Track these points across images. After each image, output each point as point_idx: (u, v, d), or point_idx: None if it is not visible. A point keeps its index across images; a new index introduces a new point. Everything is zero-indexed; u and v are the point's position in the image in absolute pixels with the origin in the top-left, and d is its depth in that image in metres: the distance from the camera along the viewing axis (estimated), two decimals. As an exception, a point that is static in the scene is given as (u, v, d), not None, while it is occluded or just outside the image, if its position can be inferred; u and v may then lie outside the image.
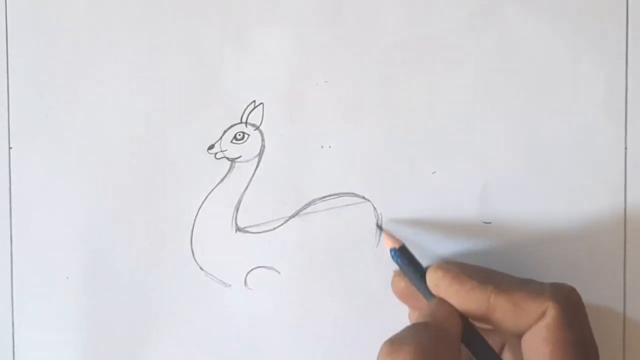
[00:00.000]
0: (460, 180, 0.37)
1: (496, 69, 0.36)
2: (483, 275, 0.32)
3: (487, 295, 0.31)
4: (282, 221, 0.37)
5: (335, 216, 0.37)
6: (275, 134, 0.37)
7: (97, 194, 0.38)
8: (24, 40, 0.38)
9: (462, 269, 0.32)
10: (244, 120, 0.37)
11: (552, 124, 0.36)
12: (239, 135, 0.37)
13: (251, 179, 0.37)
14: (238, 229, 0.38)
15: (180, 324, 0.38)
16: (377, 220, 0.37)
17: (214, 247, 0.38)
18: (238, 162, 0.37)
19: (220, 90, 0.37)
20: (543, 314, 0.30)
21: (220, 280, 0.38)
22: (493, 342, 0.33)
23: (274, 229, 0.37)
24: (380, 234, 0.36)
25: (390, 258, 0.36)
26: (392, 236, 0.35)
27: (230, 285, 0.38)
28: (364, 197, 0.37)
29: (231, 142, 0.37)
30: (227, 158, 0.37)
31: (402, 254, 0.34)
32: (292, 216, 0.37)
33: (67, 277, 0.38)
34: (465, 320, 0.32)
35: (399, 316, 0.36)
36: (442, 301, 0.32)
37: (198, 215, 0.38)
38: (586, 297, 0.31)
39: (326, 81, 0.37)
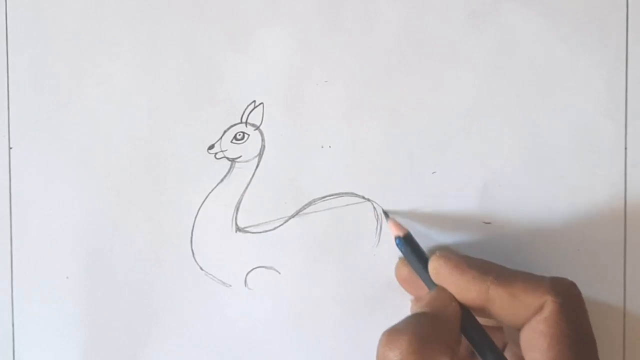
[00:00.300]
0: (460, 180, 0.37)
1: (496, 69, 0.36)
2: (484, 266, 0.32)
3: (487, 286, 0.31)
4: (282, 221, 0.37)
5: (335, 216, 0.37)
6: (275, 134, 0.37)
7: (97, 194, 0.38)
8: (24, 40, 0.38)
9: (464, 259, 0.32)
10: (244, 120, 0.37)
11: (552, 124, 0.36)
12: (239, 135, 0.37)
13: (251, 179, 0.37)
14: (238, 229, 0.38)
15: (180, 324, 0.38)
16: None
17: (214, 247, 0.38)
18: (238, 162, 0.37)
19: (221, 90, 0.37)
20: (541, 307, 0.30)
21: (220, 280, 0.38)
22: (495, 340, 0.33)
23: (274, 229, 0.37)
24: (386, 221, 0.36)
25: (390, 258, 0.36)
26: (397, 224, 0.35)
27: (230, 285, 0.38)
28: (364, 197, 0.37)
29: (231, 142, 0.37)
30: (227, 158, 0.37)
31: (407, 242, 0.34)
32: (292, 216, 0.37)
33: (67, 277, 0.38)
34: (465, 311, 0.32)
35: (399, 315, 0.36)
36: (442, 290, 0.32)
37: (198, 215, 0.38)
38: (586, 296, 0.31)
39: (326, 81, 0.37)
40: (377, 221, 0.37)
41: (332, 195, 0.37)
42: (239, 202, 0.37)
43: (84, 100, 0.38)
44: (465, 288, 0.31)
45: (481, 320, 0.32)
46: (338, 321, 0.37)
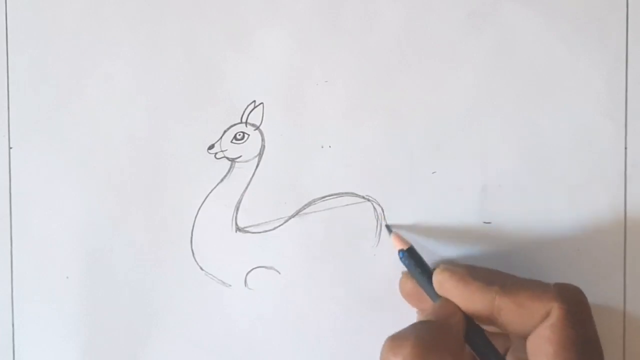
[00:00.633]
0: (460, 180, 0.37)
1: (496, 69, 0.36)
2: (489, 276, 0.32)
3: (492, 296, 0.31)
4: (282, 221, 0.37)
5: (335, 216, 0.37)
6: (275, 134, 0.37)
7: (97, 193, 0.38)
8: (24, 40, 0.38)
9: (468, 270, 0.32)
10: (244, 120, 0.37)
11: (552, 124, 0.36)
12: (239, 135, 0.37)
13: (251, 179, 0.37)
14: (238, 229, 0.38)
15: (180, 324, 0.38)
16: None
17: (214, 247, 0.38)
18: (238, 162, 0.37)
19: (221, 90, 0.37)
20: (548, 314, 0.30)
21: (220, 280, 0.38)
22: (497, 345, 0.33)
23: (274, 229, 0.37)
24: (389, 235, 0.36)
25: (390, 258, 0.36)
26: (401, 238, 0.35)
27: (230, 285, 0.38)
28: (364, 197, 0.37)
29: (231, 142, 0.37)
30: (227, 158, 0.37)
31: (411, 256, 0.34)
32: (292, 216, 0.37)
33: (67, 277, 0.38)
34: (469, 320, 0.32)
35: (399, 315, 0.36)
36: (446, 301, 0.32)
37: (198, 215, 0.38)
38: (586, 296, 0.31)
39: (326, 81, 0.37)
40: (377, 221, 0.37)
41: (332, 195, 0.37)
42: (239, 202, 0.37)
43: (84, 100, 0.38)
44: (470, 299, 0.31)
45: (484, 326, 0.32)
46: (338, 321, 0.37)
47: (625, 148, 0.36)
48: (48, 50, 0.38)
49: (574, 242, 0.36)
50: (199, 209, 0.38)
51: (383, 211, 0.37)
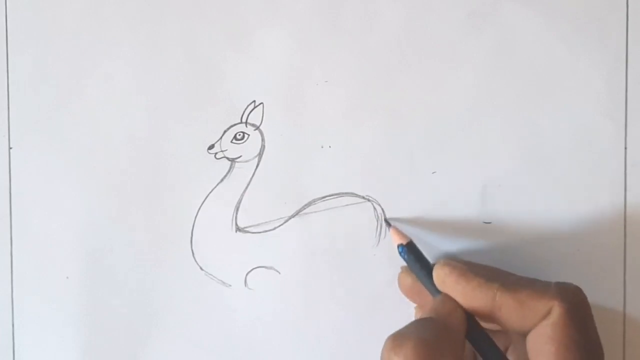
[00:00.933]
0: (460, 180, 0.37)
1: (496, 69, 0.36)
2: (489, 273, 0.32)
3: (493, 293, 0.31)
4: (282, 221, 0.37)
5: (335, 216, 0.37)
6: (275, 134, 0.37)
7: (97, 194, 0.38)
8: (24, 40, 0.38)
9: (469, 266, 0.32)
10: (244, 120, 0.37)
11: (552, 124, 0.36)
12: (239, 135, 0.37)
13: (251, 179, 0.37)
14: (238, 229, 0.38)
15: (180, 324, 0.38)
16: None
17: (214, 247, 0.38)
18: (238, 162, 0.37)
19: (220, 90, 0.37)
20: (548, 313, 0.30)
21: (220, 280, 0.38)
22: (498, 343, 0.33)
23: (274, 229, 0.37)
24: (388, 230, 0.36)
25: (390, 258, 0.36)
26: (400, 232, 0.35)
27: (230, 285, 0.38)
28: (364, 197, 0.37)
29: (231, 142, 0.37)
30: (227, 158, 0.37)
31: (410, 250, 0.34)
32: (292, 216, 0.37)
33: (67, 277, 0.38)
34: (469, 317, 0.32)
35: (400, 315, 0.36)
36: (447, 297, 0.32)
37: (198, 215, 0.38)
38: (586, 295, 0.31)
39: (326, 81, 0.37)
40: (377, 221, 0.37)
41: (332, 195, 0.37)
42: (239, 202, 0.37)
43: (84, 100, 0.38)
44: (471, 295, 0.31)
45: (483, 323, 0.32)
46: (338, 321, 0.37)
47: (625, 148, 0.36)
48: (48, 50, 0.38)
49: (574, 242, 0.36)
50: (199, 209, 0.38)
51: (383, 211, 0.37)
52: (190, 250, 0.38)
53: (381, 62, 0.37)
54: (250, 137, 0.37)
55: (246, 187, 0.37)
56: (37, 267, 0.38)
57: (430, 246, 0.37)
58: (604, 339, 0.31)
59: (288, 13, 0.37)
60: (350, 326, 0.37)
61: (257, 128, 0.37)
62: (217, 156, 0.37)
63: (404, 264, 0.35)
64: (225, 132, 0.37)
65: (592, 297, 0.31)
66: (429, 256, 0.36)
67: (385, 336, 0.30)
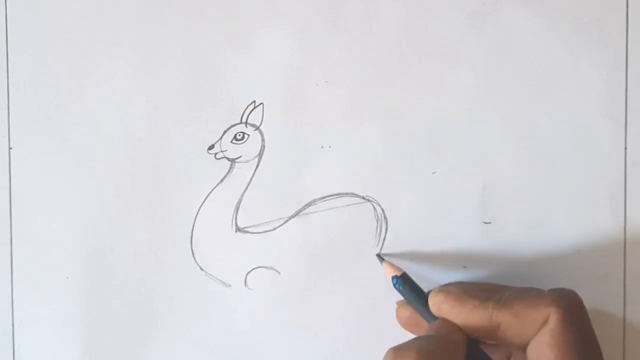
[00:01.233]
0: (460, 180, 0.37)
1: (496, 69, 0.36)
2: (484, 292, 0.32)
3: (489, 313, 0.31)
4: (282, 221, 0.37)
5: (335, 216, 0.37)
6: (275, 134, 0.37)
7: (97, 194, 0.38)
8: (24, 40, 0.38)
9: (463, 289, 0.33)
10: (244, 120, 0.37)
11: (552, 124, 0.36)
12: (239, 135, 0.37)
13: (251, 179, 0.37)
14: (238, 229, 0.38)
15: (180, 324, 0.38)
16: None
17: (214, 247, 0.38)
18: (238, 162, 0.37)
19: (220, 90, 0.37)
20: (546, 321, 0.30)
21: (220, 280, 0.38)
22: (499, 354, 0.33)
23: (274, 229, 0.37)
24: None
25: (389, 258, 0.36)
26: (393, 265, 0.35)
27: (230, 285, 0.38)
28: (364, 197, 0.37)
29: (231, 142, 0.37)
30: (227, 158, 0.37)
31: (404, 281, 0.34)
32: (292, 216, 0.37)
33: (67, 277, 0.38)
34: (468, 339, 0.32)
35: (399, 316, 0.36)
36: (445, 320, 0.32)
37: (198, 215, 0.38)
38: (585, 299, 0.31)
39: (326, 81, 0.37)
40: (377, 221, 0.37)
41: (332, 195, 0.37)
42: (239, 202, 0.37)
43: (84, 100, 0.38)
44: (469, 318, 0.31)
45: (482, 339, 0.32)
46: (338, 321, 0.37)
47: (625, 148, 0.36)
48: (48, 50, 0.38)
49: (574, 243, 0.36)
50: (199, 209, 0.38)
51: (383, 211, 0.37)
52: (190, 251, 0.38)
53: (381, 62, 0.37)
54: (250, 137, 0.37)
55: (246, 187, 0.37)
56: (37, 267, 0.38)
57: (430, 247, 0.37)
58: (603, 342, 0.31)
59: (288, 13, 0.37)
60: (349, 326, 0.37)
61: (257, 128, 0.37)
62: (217, 156, 0.37)
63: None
64: (225, 132, 0.37)
65: (591, 298, 0.32)
66: (428, 257, 0.36)
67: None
